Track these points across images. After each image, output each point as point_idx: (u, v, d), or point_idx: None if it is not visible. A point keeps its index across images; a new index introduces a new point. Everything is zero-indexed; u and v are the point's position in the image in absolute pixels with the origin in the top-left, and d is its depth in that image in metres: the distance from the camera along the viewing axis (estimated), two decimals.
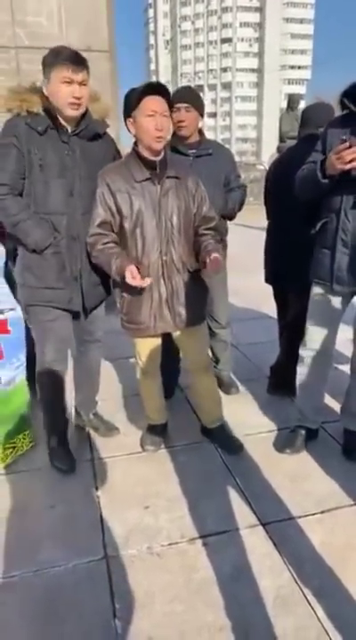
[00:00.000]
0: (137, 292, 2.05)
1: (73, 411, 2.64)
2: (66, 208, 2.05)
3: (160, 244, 2.03)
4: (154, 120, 1.90)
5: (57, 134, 2.01)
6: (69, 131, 2.04)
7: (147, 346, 2.26)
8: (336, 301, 2.18)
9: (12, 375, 2.30)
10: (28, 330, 2.27)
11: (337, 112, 2.32)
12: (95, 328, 2.40)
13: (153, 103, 1.90)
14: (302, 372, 2.39)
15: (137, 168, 1.99)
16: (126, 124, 2.00)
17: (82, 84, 1.97)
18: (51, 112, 1.99)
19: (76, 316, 2.25)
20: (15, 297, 2.23)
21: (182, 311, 2.13)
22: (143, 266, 2.01)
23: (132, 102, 1.93)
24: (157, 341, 2.28)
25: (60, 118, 2.01)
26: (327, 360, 2.34)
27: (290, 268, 2.54)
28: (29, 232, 2.00)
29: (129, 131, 2.01)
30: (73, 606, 1.58)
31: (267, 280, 2.87)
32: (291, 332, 2.75)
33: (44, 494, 2.11)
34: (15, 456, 2.35)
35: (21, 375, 2.34)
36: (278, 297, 2.91)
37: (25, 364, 2.35)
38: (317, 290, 2.22)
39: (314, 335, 2.28)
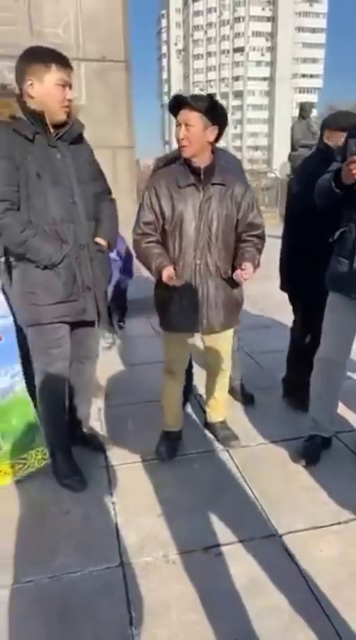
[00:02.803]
0: (170, 291, 2.15)
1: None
2: (70, 216, 1.98)
3: (196, 249, 2.13)
4: (178, 130, 2.06)
5: (45, 139, 1.92)
6: (54, 134, 1.95)
7: (174, 346, 2.37)
8: (353, 310, 2.17)
9: (9, 384, 2.16)
10: (20, 340, 2.15)
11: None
12: (94, 343, 2.32)
13: (179, 116, 2.05)
14: (316, 381, 2.38)
15: (183, 174, 2.11)
16: None
17: (71, 86, 1.93)
18: (37, 116, 1.87)
19: (74, 327, 2.15)
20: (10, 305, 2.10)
21: (211, 315, 2.21)
22: (179, 267, 2.13)
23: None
24: (186, 343, 2.37)
25: (48, 122, 1.91)
26: (341, 369, 2.33)
27: (303, 276, 2.54)
28: (40, 248, 1.90)
29: None
30: (89, 613, 1.58)
31: (282, 287, 2.87)
32: (299, 339, 2.77)
33: (60, 500, 2.11)
34: (25, 473, 2.22)
35: (21, 384, 2.20)
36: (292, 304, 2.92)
37: (22, 375, 2.20)
38: (333, 298, 2.22)
39: (329, 344, 2.27)
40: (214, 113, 2.05)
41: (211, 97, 2.10)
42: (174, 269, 2.10)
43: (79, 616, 1.57)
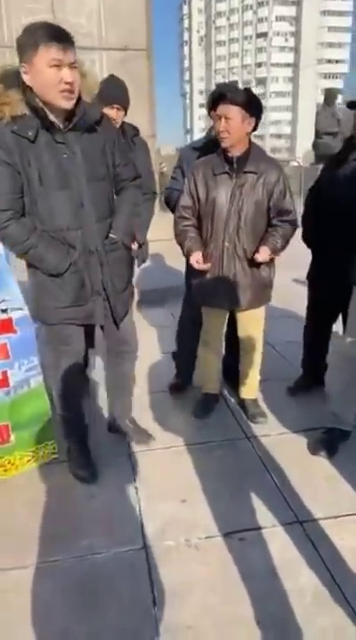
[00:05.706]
0: (199, 272, 2.38)
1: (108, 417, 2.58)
2: (78, 222, 1.85)
3: (225, 232, 2.30)
4: (219, 124, 2.20)
5: (50, 135, 1.74)
6: (62, 127, 1.76)
7: (210, 318, 2.59)
8: None
9: (24, 377, 2.15)
10: None
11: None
12: (130, 337, 2.26)
13: (219, 109, 2.18)
14: (334, 376, 2.37)
15: (218, 162, 2.28)
16: None
17: (72, 66, 1.66)
18: (37, 110, 1.69)
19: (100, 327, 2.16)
20: None
21: (238, 294, 2.39)
22: (209, 249, 2.34)
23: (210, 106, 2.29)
24: (221, 317, 2.60)
25: (50, 115, 1.72)
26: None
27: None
28: (44, 257, 1.83)
29: None
30: (113, 592, 1.63)
31: None
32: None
33: (85, 484, 2.16)
34: (31, 465, 2.26)
35: (37, 378, 2.19)
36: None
37: (39, 368, 2.19)
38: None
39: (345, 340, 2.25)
40: (251, 105, 2.18)
41: (248, 90, 2.24)
42: (203, 255, 2.32)
43: (103, 595, 1.62)
